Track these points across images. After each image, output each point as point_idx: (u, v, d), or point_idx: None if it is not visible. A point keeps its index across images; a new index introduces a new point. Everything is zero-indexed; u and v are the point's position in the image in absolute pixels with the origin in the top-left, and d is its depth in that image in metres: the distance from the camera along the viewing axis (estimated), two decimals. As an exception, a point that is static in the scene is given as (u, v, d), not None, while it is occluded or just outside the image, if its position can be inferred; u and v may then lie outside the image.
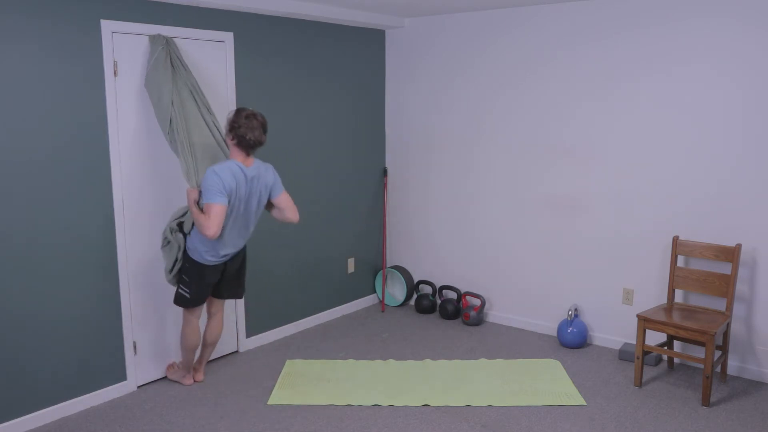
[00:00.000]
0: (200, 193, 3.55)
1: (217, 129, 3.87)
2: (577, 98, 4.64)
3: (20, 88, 3.32)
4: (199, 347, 4.12)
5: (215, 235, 3.41)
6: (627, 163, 4.48)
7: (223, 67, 4.29)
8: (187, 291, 3.77)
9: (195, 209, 3.55)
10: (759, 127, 3.97)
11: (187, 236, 3.72)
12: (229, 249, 3.72)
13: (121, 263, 3.85)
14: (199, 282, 3.75)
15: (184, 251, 3.73)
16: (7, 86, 3.27)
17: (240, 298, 4.08)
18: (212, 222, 3.40)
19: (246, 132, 3.47)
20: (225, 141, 3.70)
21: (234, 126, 3.50)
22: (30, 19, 3.32)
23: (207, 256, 3.68)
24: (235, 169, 3.50)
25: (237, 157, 3.56)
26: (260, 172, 3.65)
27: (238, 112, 3.54)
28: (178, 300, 3.83)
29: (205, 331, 4.03)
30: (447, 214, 5.46)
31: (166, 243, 3.75)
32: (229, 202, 3.48)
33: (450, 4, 4.70)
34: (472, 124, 5.20)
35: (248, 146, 3.52)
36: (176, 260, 3.75)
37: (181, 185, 4.09)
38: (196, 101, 3.80)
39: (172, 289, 4.09)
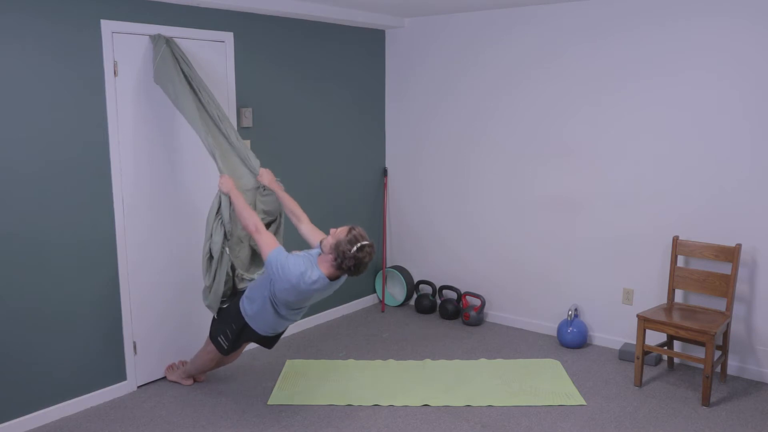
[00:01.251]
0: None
1: (221, 120, 3.80)
2: (578, 98, 4.64)
3: (20, 88, 3.32)
4: None
5: (250, 228, 3.36)
6: (627, 163, 4.48)
7: (223, 67, 4.29)
8: (226, 344, 3.66)
9: (240, 201, 3.44)
10: (759, 127, 3.97)
11: (246, 297, 3.55)
12: (287, 323, 3.61)
13: (121, 263, 3.85)
14: (239, 340, 3.65)
15: (238, 310, 3.55)
16: (6, 86, 3.27)
17: (269, 349, 3.96)
18: (265, 237, 3.33)
19: (353, 267, 3.22)
20: (321, 249, 3.38)
21: (343, 253, 3.19)
22: (30, 18, 3.32)
23: (267, 329, 3.56)
24: (317, 282, 3.26)
25: (327, 270, 3.27)
26: (341, 278, 3.41)
27: (353, 240, 3.20)
28: (214, 344, 3.72)
29: (226, 358, 3.98)
30: (447, 214, 5.46)
31: (208, 258, 3.60)
32: (285, 290, 3.30)
33: (450, 4, 4.70)
34: (472, 123, 5.20)
35: (346, 272, 3.28)
36: (215, 278, 3.60)
37: (181, 184, 4.09)
38: (201, 97, 3.78)
39: (172, 289, 4.09)
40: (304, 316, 5.12)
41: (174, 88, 3.66)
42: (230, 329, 3.62)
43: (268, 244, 3.34)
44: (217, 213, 3.58)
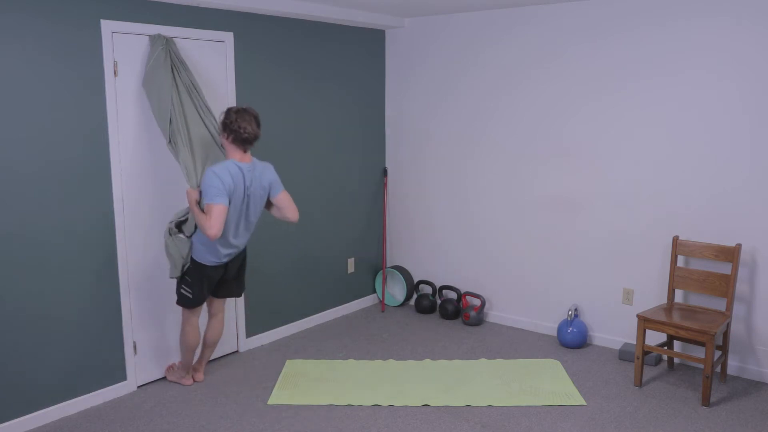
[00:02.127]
0: (201, 193, 3.55)
1: (216, 130, 3.86)
2: (578, 98, 4.64)
3: (20, 88, 3.32)
4: (199, 347, 4.12)
5: (217, 234, 3.41)
6: (627, 163, 4.48)
7: (223, 67, 4.29)
8: (190, 291, 3.78)
9: (196, 209, 3.55)
10: (759, 127, 3.97)
11: (194, 238, 3.72)
12: (230, 249, 3.72)
13: (121, 263, 3.85)
14: (201, 282, 3.75)
15: (188, 254, 3.73)
16: (6, 86, 3.27)
17: (239, 296, 4.08)
18: (214, 222, 3.40)
19: (239, 125, 3.48)
20: (221, 143, 3.70)
21: (227, 123, 3.51)
22: (30, 18, 3.32)
23: (209, 256, 3.69)
24: (234, 168, 3.50)
25: (234, 156, 3.56)
26: (259, 170, 3.65)
27: (228, 110, 3.56)
28: (181, 300, 3.83)
29: (206, 332, 4.03)
30: (447, 214, 5.46)
31: (166, 245, 3.75)
32: (229, 201, 3.47)
33: (450, 4, 4.70)
34: (472, 123, 5.20)
35: (244, 141, 3.52)
36: (176, 261, 3.73)
37: (181, 185, 4.08)
38: (194, 102, 3.80)
39: (173, 289, 4.09)
40: (303, 316, 5.12)
41: (158, 95, 3.68)
42: (188, 275, 3.75)
43: (213, 211, 3.44)
44: (180, 224, 3.76)
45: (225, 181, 3.44)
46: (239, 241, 3.75)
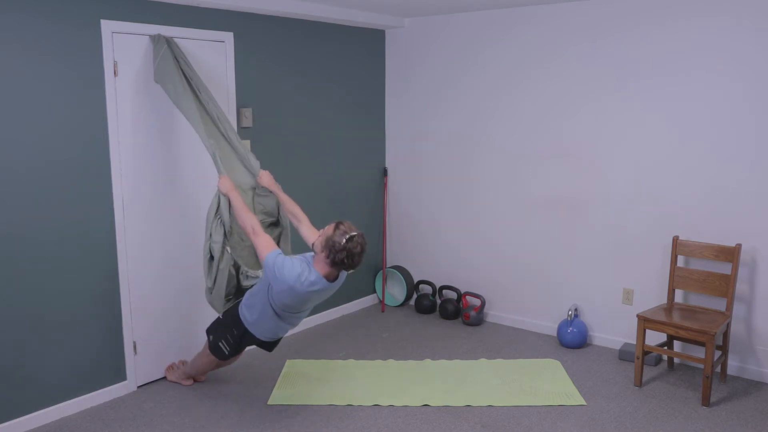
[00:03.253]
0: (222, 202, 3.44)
1: (221, 121, 3.80)
2: (578, 98, 4.64)
3: (20, 87, 3.32)
4: None
5: (257, 236, 3.33)
6: (627, 164, 4.48)
7: (223, 67, 4.29)
8: (227, 350, 3.67)
9: (239, 202, 3.42)
10: (759, 127, 3.97)
11: (245, 305, 3.55)
12: (288, 328, 3.60)
13: (121, 263, 3.85)
14: (242, 346, 3.67)
15: (237, 317, 3.55)
16: (6, 86, 3.27)
17: (269, 352, 3.92)
18: (262, 240, 3.31)
19: (348, 258, 3.22)
20: (312, 247, 3.42)
21: (334, 247, 3.20)
22: (30, 18, 3.32)
23: (268, 334, 3.56)
24: (317, 284, 3.27)
25: (323, 270, 3.28)
26: (340, 278, 3.42)
27: (338, 230, 3.23)
28: (215, 352, 3.71)
29: (225, 362, 3.97)
30: (447, 214, 5.46)
31: (209, 259, 3.59)
32: (283, 292, 3.29)
33: (450, 4, 4.70)
34: (472, 123, 5.20)
35: (343, 269, 3.30)
36: (216, 279, 3.59)
37: (181, 184, 4.09)
38: (201, 97, 3.78)
39: (172, 289, 4.09)
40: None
41: (175, 89, 3.66)
42: (231, 335, 3.62)
43: (266, 246, 3.33)
44: (216, 213, 3.57)
45: (294, 287, 3.21)
46: (298, 322, 3.61)
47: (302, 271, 3.23)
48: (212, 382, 4.13)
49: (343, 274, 3.41)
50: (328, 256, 3.24)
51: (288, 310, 3.41)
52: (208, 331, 3.76)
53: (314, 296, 3.35)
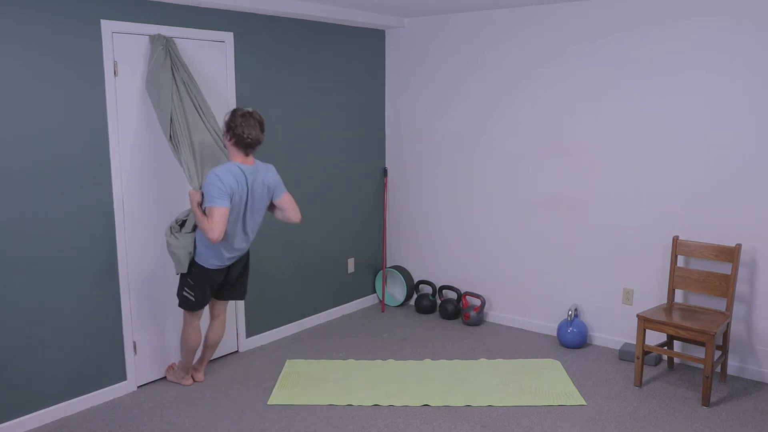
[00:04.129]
0: (203, 195, 3.54)
1: (215, 131, 3.86)
2: (578, 98, 4.64)
3: (20, 87, 3.32)
4: (200, 348, 4.12)
5: (219, 237, 3.40)
6: (627, 163, 4.48)
7: (223, 67, 4.29)
8: (192, 294, 3.76)
9: (198, 212, 3.54)
10: (759, 127, 3.97)
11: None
12: (233, 252, 3.71)
13: (121, 263, 3.85)
14: (203, 286, 3.74)
15: (192, 259, 3.71)
16: (6, 86, 3.27)
17: (242, 299, 4.08)
18: (215, 225, 3.40)
19: (243, 130, 3.46)
20: (224, 143, 3.68)
21: (231, 126, 3.48)
22: (30, 18, 3.32)
23: (212, 260, 3.67)
24: (236, 171, 3.49)
25: (236, 158, 3.54)
26: (261, 172, 3.64)
27: (233, 112, 3.53)
28: (183, 303, 3.82)
29: (208, 333, 4.03)
30: (447, 214, 5.46)
31: (168, 244, 3.73)
32: (231, 204, 3.47)
33: (450, 4, 4.70)
34: (471, 123, 5.20)
35: (247, 145, 3.51)
36: (180, 258, 3.69)
37: (181, 185, 4.09)
38: (194, 102, 3.80)
39: (173, 289, 4.09)
40: (303, 316, 5.12)
41: (159, 97, 3.67)
42: (191, 278, 3.73)
43: (215, 213, 3.43)
44: (181, 223, 3.73)
45: (227, 182, 3.43)
46: (242, 244, 3.74)
47: (216, 169, 3.47)
48: (212, 382, 4.14)
49: (269, 172, 3.64)
50: (231, 138, 3.50)
51: (229, 226, 3.55)
52: (177, 294, 3.86)
53: (243, 190, 3.51)
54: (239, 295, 4.01)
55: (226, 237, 3.59)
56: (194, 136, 3.74)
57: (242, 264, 3.88)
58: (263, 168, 3.67)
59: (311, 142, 5.01)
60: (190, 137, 3.71)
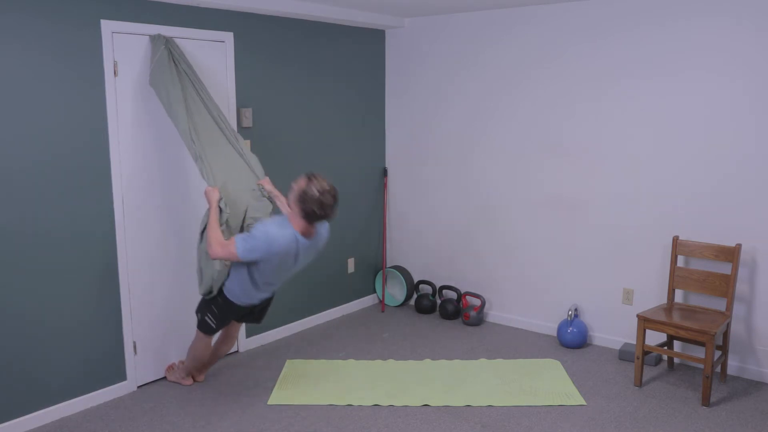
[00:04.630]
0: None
1: (224, 122, 3.81)
2: (578, 98, 4.64)
3: (19, 88, 3.32)
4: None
5: (214, 257, 3.36)
6: (627, 163, 4.48)
7: (223, 67, 4.29)
8: (214, 322, 3.71)
9: (214, 216, 3.44)
10: (759, 127, 3.97)
11: (227, 280, 3.60)
12: (264, 294, 3.65)
13: (121, 263, 3.85)
14: (226, 316, 3.71)
15: (221, 288, 3.61)
16: (6, 86, 3.27)
17: (258, 324, 4.02)
18: (221, 253, 3.30)
19: (316, 209, 3.24)
20: (288, 205, 3.44)
21: (304, 198, 3.23)
22: (30, 18, 3.32)
23: (243, 298, 3.59)
24: (292, 243, 3.31)
25: (298, 225, 3.33)
26: (316, 239, 3.45)
27: (310, 181, 3.26)
28: (202, 326, 3.75)
29: (219, 346, 4.01)
30: (447, 214, 5.46)
31: (199, 259, 3.62)
32: (266, 260, 3.32)
33: (450, 4, 4.70)
34: (471, 123, 5.20)
35: (316, 219, 3.31)
36: (205, 279, 3.63)
37: (181, 185, 4.09)
38: (203, 100, 3.79)
39: (172, 289, 4.09)
40: (303, 316, 5.12)
41: (167, 94, 3.65)
42: (216, 307, 3.67)
43: (228, 244, 3.31)
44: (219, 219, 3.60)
45: (273, 250, 3.26)
46: (276, 287, 3.67)
47: (274, 229, 3.28)
48: (212, 382, 4.14)
49: (322, 236, 3.46)
50: (301, 209, 3.27)
51: (267, 276, 3.45)
52: (197, 311, 3.81)
53: (290, 257, 3.37)
54: (257, 321, 3.93)
55: (265, 280, 3.48)
56: (203, 133, 3.71)
57: (268, 300, 3.82)
58: (320, 233, 3.47)
59: (311, 142, 5.01)
60: (200, 135, 3.69)
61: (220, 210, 3.53)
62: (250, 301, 3.64)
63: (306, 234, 3.35)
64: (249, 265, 3.41)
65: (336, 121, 5.22)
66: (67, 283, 3.62)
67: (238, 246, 3.27)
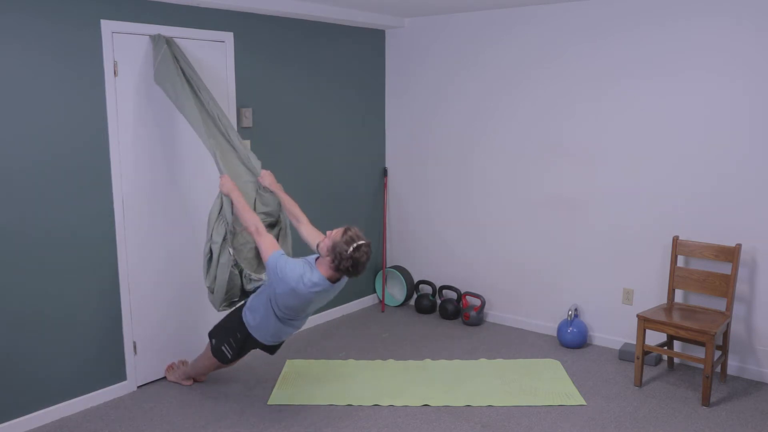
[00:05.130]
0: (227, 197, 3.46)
1: (221, 121, 3.81)
2: (578, 98, 4.64)
3: (20, 88, 3.32)
4: None
5: (254, 232, 3.35)
6: (627, 163, 4.48)
7: (223, 67, 4.29)
8: (230, 353, 3.67)
9: (241, 200, 3.42)
10: (759, 127, 3.97)
11: (248, 308, 3.56)
12: (291, 330, 3.58)
13: (121, 263, 3.85)
14: (244, 349, 3.67)
15: (241, 321, 3.55)
16: (6, 86, 3.27)
17: (272, 354, 3.92)
18: (263, 239, 3.32)
19: (350, 267, 3.21)
20: (317, 249, 3.39)
21: (340, 254, 3.19)
22: (30, 18, 3.32)
23: (267, 336, 3.55)
24: (317, 286, 3.26)
25: (326, 273, 3.28)
26: (342, 280, 3.41)
27: (350, 240, 3.21)
28: (217, 354, 3.70)
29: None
30: (447, 214, 5.46)
31: (208, 259, 3.58)
32: (283, 294, 3.30)
33: (450, 4, 4.70)
34: (471, 123, 5.20)
35: (344, 273, 3.28)
36: (216, 279, 3.57)
37: (181, 185, 4.09)
38: (203, 95, 3.78)
39: (172, 289, 4.09)
40: (304, 316, 5.12)
41: (174, 89, 3.66)
42: (234, 338, 3.62)
43: (269, 246, 3.34)
44: (219, 214, 3.56)
45: (298, 290, 3.23)
46: (299, 324, 3.59)
47: (304, 272, 3.24)
48: (212, 382, 4.14)
49: (345, 278, 3.40)
50: (333, 261, 3.23)
51: (290, 313, 3.40)
52: (211, 335, 3.76)
53: (316, 298, 3.34)
54: (271, 353, 3.82)
55: (287, 317, 3.43)
56: (209, 127, 3.71)
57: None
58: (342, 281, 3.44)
59: (311, 142, 5.01)
60: (216, 125, 3.69)
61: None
62: (276, 339, 3.60)
63: (331, 280, 3.31)
64: (275, 307, 3.36)
65: (336, 121, 5.22)
66: (67, 283, 3.62)
67: (274, 255, 3.26)
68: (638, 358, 4.03)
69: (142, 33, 3.79)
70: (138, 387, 4.05)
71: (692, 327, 3.80)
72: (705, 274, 4.13)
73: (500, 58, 4.97)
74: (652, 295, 4.49)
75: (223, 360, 3.73)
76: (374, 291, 5.83)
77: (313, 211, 5.05)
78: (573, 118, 4.68)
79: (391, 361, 4.47)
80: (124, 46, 3.72)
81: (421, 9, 4.93)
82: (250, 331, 3.54)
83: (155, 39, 3.78)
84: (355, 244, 3.20)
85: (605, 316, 4.73)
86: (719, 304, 4.16)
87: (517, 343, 4.82)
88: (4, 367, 3.41)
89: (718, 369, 4.21)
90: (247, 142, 4.32)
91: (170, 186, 4.05)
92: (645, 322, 3.98)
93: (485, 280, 5.32)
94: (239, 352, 3.68)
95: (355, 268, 3.23)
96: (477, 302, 5.33)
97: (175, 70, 3.68)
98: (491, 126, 5.09)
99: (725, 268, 4.13)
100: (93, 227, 3.71)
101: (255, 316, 3.50)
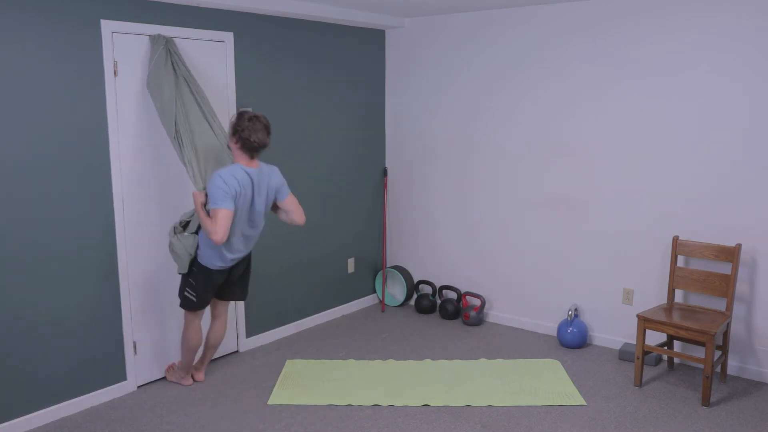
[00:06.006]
0: (206, 196, 3.54)
1: (220, 131, 3.85)
2: (578, 98, 4.64)
3: (20, 88, 3.32)
4: (201, 348, 4.12)
5: (222, 239, 3.40)
6: (627, 163, 4.48)
7: (223, 67, 4.29)
8: (194, 295, 3.76)
9: (202, 213, 3.54)
10: (759, 126, 3.97)
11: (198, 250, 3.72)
12: (236, 253, 3.71)
13: (121, 263, 3.85)
14: (205, 286, 3.74)
15: (194, 257, 3.71)
16: (6, 86, 3.27)
17: (243, 300, 4.09)
18: (219, 227, 3.39)
19: (249, 134, 3.46)
20: (228, 145, 3.68)
21: (237, 129, 3.49)
22: (30, 18, 3.32)
23: (215, 260, 3.66)
24: (240, 174, 3.49)
25: (241, 161, 3.55)
26: (266, 175, 3.65)
27: (240, 115, 3.53)
28: (184, 303, 3.82)
29: (209, 333, 4.03)
30: (447, 214, 5.46)
31: (170, 244, 3.73)
32: (235, 206, 3.47)
33: (450, 4, 4.70)
34: (472, 123, 5.20)
35: (252, 149, 3.51)
36: (182, 258, 3.70)
37: (181, 185, 4.09)
38: (198, 103, 3.80)
39: (172, 289, 4.09)
40: (303, 316, 5.12)
41: (161, 95, 3.66)
42: (193, 278, 3.73)
43: (221, 214, 3.44)
44: (185, 224, 3.74)
45: (231, 185, 3.43)
46: (245, 245, 3.74)
47: (223, 170, 3.46)
48: (212, 382, 4.14)
49: (273, 174, 3.68)
50: (237, 141, 3.50)
51: (232, 226, 3.55)
52: (178, 294, 3.87)
53: (248, 192, 3.51)
54: (240, 296, 4.01)
55: (230, 238, 3.58)
56: (197, 137, 3.73)
57: (244, 265, 3.88)
58: (268, 170, 3.68)
59: (311, 142, 5.01)
60: (193, 138, 3.71)
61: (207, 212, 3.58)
62: (224, 262, 3.69)
63: (250, 165, 3.55)
64: None
65: (336, 121, 5.22)
66: (67, 283, 3.62)
67: (220, 204, 3.40)
68: (638, 358, 4.03)
69: (142, 33, 3.79)
70: (138, 387, 4.05)
71: (692, 327, 3.80)
72: (705, 274, 4.13)
73: (500, 58, 4.97)
74: (652, 295, 4.49)
75: (191, 306, 3.80)
76: (374, 291, 5.83)
77: (314, 211, 5.07)
78: (573, 118, 4.68)
79: (391, 361, 4.47)
80: (124, 46, 3.72)
81: (421, 9, 4.93)
82: (199, 260, 3.67)
83: (154, 39, 3.78)
84: (247, 115, 3.50)
85: (605, 316, 4.73)
86: (719, 304, 4.16)
87: (517, 343, 4.82)
88: (4, 367, 3.41)
89: (718, 369, 4.21)
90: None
91: (171, 186, 4.05)
92: (645, 322, 3.98)
93: (485, 280, 5.32)
94: (202, 292, 3.74)
95: (255, 132, 3.46)
96: (477, 302, 5.33)
97: (165, 76, 3.67)
98: (491, 126, 5.09)
99: (725, 268, 4.13)
100: (93, 227, 3.71)
101: (201, 247, 3.66)
